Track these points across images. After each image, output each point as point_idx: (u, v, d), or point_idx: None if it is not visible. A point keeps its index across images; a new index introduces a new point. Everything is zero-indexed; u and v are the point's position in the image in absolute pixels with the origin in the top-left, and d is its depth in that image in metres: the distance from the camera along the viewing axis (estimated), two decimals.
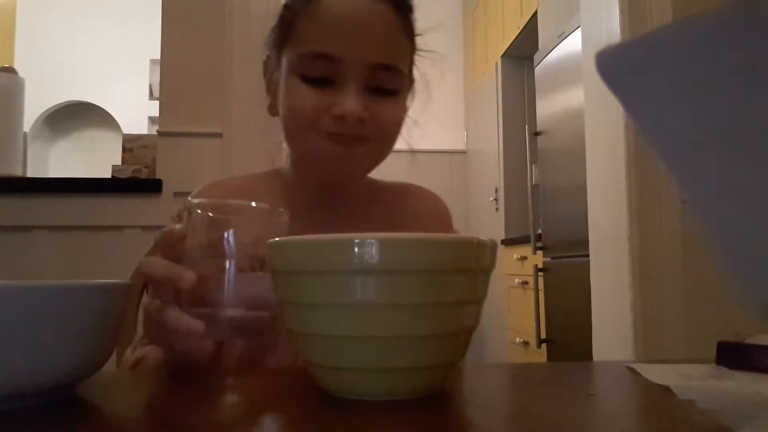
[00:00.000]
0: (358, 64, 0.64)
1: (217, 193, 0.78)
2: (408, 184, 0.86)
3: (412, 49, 0.72)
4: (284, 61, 0.69)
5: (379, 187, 0.83)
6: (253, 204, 0.52)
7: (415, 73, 0.78)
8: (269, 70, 0.74)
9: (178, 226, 0.50)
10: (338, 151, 0.67)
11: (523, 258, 3.22)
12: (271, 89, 0.74)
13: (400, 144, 0.78)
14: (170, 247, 0.49)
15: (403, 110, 0.72)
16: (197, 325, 0.46)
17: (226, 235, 0.49)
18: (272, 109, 0.75)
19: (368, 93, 0.66)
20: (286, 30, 0.69)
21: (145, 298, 0.54)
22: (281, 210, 0.51)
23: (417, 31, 0.75)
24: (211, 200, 0.51)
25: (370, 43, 0.65)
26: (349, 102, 0.64)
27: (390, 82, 0.67)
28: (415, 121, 0.80)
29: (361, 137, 0.66)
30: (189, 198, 0.52)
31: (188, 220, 0.50)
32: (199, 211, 0.50)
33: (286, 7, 0.71)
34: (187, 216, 0.50)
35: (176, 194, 1.74)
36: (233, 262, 0.49)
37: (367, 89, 0.66)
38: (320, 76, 0.65)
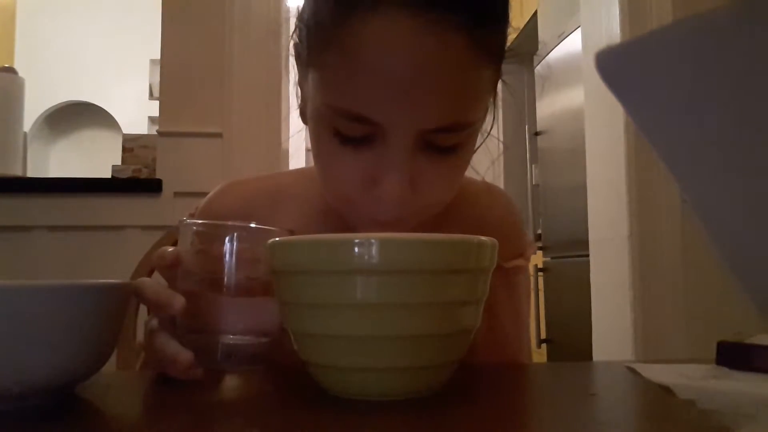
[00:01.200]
0: (408, 131, 0.47)
1: (237, 193, 0.69)
2: (473, 182, 0.67)
3: (495, 71, 0.51)
4: (311, 90, 0.52)
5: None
6: (253, 225, 0.47)
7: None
8: (299, 73, 0.57)
9: (170, 249, 0.47)
10: (376, 227, 0.51)
11: None
12: (302, 95, 0.58)
13: None
14: (166, 269, 0.47)
15: (470, 157, 0.54)
16: (185, 356, 0.43)
17: (224, 254, 0.46)
18: (303, 117, 0.59)
19: (422, 156, 0.49)
20: (312, 50, 0.51)
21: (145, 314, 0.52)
22: (287, 230, 0.46)
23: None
24: (208, 222, 0.49)
25: (428, 107, 0.46)
26: (391, 185, 0.48)
27: (454, 140, 0.49)
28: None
29: (401, 219, 0.51)
30: (184, 218, 0.50)
31: (183, 239, 0.48)
32: (195, 232, 0.48)
33: (314, 15, 0.49)
34: (184, 234, 0.48)
35: (176, 194, 1.74)
36: (231, 284, 0.46)
37: (421, 153, 0.49)
38: (358, 137, 0.49)
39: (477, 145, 0.56)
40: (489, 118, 0.56)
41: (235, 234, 0.46)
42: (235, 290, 0.46)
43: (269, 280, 0.43)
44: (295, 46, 0.55)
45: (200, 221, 0.50)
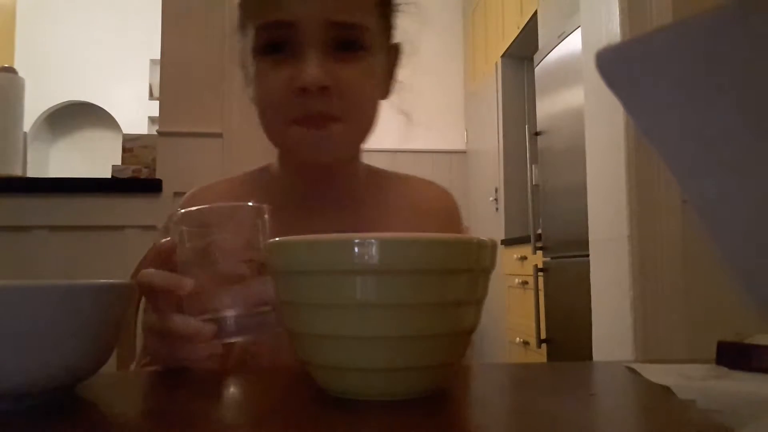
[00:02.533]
0: (314, 25, 0.58)
1: (206, 197, 0.73)
2: (414, 177, 0.78)
3: (381, 4, 0.64)
4: (248, 42, 0.63)
5: (380, 176, 0.77)
6: (236, 204, 0.52)
7: (401, 35, 0.70)
8: (242, 57, 0.68)
9: (164, 240, 0.50)
10: (309, 137, 0.61)
11: (523, 258, 3.22)
12: (247, 79, 0.67)
13: (390, 116, 0.71)
14: (162, 260, 0.49)
15: (376, 71, 0.64)
16: (209, 328, 0.46)
17: (214, 239, 0.49)
18: (251, 94, 0.68)
19: (331, 57, 0.59)
20: (245, 8, 0.64)
21: (142, 313, 0.53)
22: (264, 206, 0.51)
23: None
24: (194, 209, 0.51)
25: (325, 1, 0.58)
26: (308, 69, 0.57)
27: (354, 40, 0.60)
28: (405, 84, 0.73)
29: (328, 115, 0.60)
30: (177, 210, 0.52)
31: (177, 233, 0.50)
32: (184, 228, 0.50)
33: None
34: (174, 229, 0.50)
35: (176, 194, 1.74)
36: (227, 264, 0.49)
37: (330, 53, 0.59)
38: (276, 44, 0.59)
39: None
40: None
41: (221, 217, 0.50)
42: (232, 267, 0.49)
43: (263, 257, 0.45)
44: (241, 49, 0.67)
45: (186, 210, 0.51)
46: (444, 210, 0.77)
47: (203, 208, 0.51)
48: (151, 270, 0.48)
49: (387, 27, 0.66)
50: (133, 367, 0.62)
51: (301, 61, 0.58)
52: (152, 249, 0.51)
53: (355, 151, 0.69)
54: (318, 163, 0.66)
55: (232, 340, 0.50)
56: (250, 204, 0.51)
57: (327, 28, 0.58)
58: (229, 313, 0.48)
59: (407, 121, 0.76)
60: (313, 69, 0.57)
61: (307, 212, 0.68)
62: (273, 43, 0.60)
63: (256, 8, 0.61)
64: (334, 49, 0.59)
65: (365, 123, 0.65)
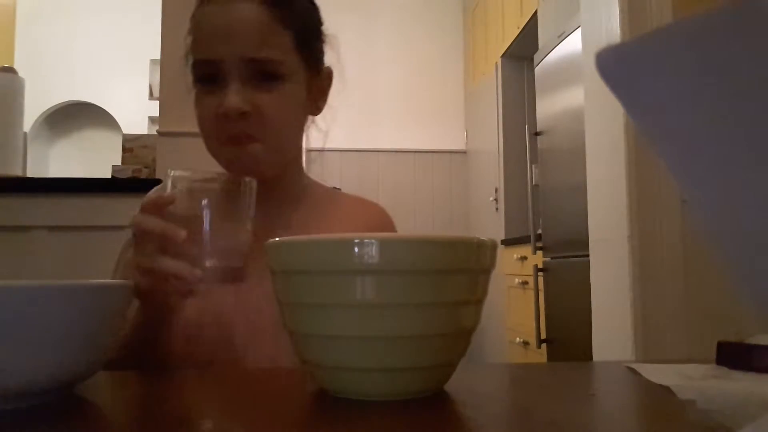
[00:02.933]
0: (234, 62, 0.69)
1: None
2: (353, 196, 0.90)
3: (299, 40, 0.74)
4: (189, 72, 0.75)
5: (321, 192, 0.87)
6: (223, 175, 0.64)
7: (331, 62, 0.82)
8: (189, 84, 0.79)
9: (166, 193, 0.58)
10: (233, 155, 0.72)
11: (523, 258, 3.22)
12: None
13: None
14: (158, 209, 0.57)
15: (293, 98, 0.74)
16: (196, 270, 0.55)
17: (204, 198, 0.59)
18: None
19: (253, 85, 0.70)
20: (188, 44, 0.75)
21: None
22: (247, 179, 0.61)
23: (311, 21, 0.78)
24: (188, 172, 0.60)
25: (240, 40, 0.70)
26: (228, 98, 0.69)
27: (268, 72, 0.71)
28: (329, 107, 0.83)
29: (247, 136, 0.71)
30: (169, 170, 0.60)
31: (172, 186, 0.59)
32: (180, 172, 0.60)
33: (191, 17, 0.76)
34: (171, 185, 0.59)
35: None
36: (209, 221, 0.58)
37: (252, 81, 0.70)
38: (208, 78, 0.71)
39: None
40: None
41: (212, 182, 0.61)
42: (210, 226, 0.58)
43: (239, 217, 0.59)
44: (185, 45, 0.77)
45: (184, 171, 0.61)
46: (377, 219, 0.85)
47: (197, 172, 0.60)
48: (150, 216, 0.56)
49: (310, 57, 0.77)
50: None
51: (226, 91, 0.70)
52: (153, 199, 0.58)
53: (277, 166, 0.77)
54: (247, 174, 0.75)
55: (204, 284, 0.58)
56: (246, 179, 0.61)
57: (245, 64, 0.70)
58: (204, 263, 0.57)
59: (324, 139, 0.86)
60: (232, 98, 0.69)
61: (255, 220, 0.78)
62: (205, 76, 0.72)
63: (193, 47, 0.73)
64: (254, 80, 0.70)
65: (283, 141, 0.75)
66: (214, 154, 0.76)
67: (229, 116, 0.69)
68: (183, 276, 0.55)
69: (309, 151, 0.89)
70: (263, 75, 0.71)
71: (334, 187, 0.96)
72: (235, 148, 0.72)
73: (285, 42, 0.72)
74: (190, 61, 0.73)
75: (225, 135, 0.71)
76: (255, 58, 0.70)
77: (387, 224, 0.86)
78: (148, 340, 0.64)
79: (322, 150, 0.87)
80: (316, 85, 0.79)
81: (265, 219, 0.77)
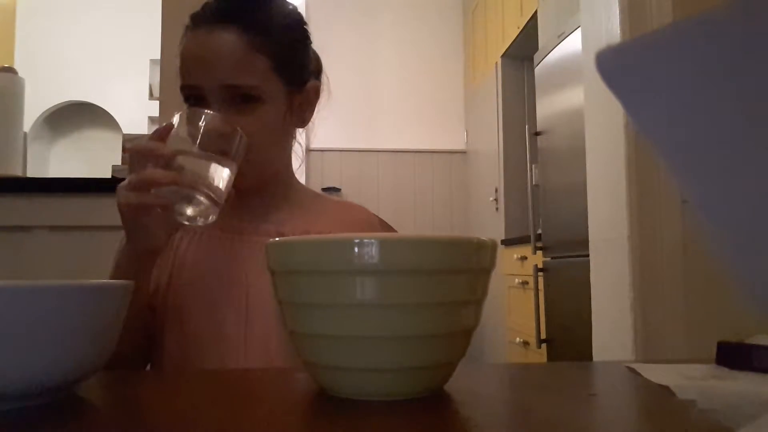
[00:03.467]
0: (213, 88, 0.76)
1: None
2: (343, 200, 0.95)
3: (277, 63, 0.79)
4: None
5: (310, 197, 0.91)
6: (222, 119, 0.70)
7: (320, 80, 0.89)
8: None
9: (165, 124, 0.66)
10: None
11: (523, 258, 3.22)
12: None
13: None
14: (159, 138, 0.65)
15: (271, 118, 0.79)
16: (172, 173, 0.62)
17: (197, 131, 0.66)
18: None
19: (232, 109, 0.76)
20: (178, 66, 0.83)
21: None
22: (240, 132, 0.68)
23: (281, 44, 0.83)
24: (194, 109, 0.69)
25: (216, 68, 0.76)
26: None
27: (246, 95, 0.77)
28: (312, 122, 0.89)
29: None
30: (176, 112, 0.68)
31: (177, 120, 0.66)
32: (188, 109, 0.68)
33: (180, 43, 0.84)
34: (179, 116, 0.67)
35: None
36: (197, 153, 0.65)
37: (231, 103, 0.76)
38: (193, 99, 0.78)
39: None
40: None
41: (207, 116, 0.67)
42: (198, 157, 0.65)
43: (227, 153, 0.66)
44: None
45: (187, 109, 0.70)
46: (364, 221, 0.89)
47: (203, 111, 0.68)
48: (142, 139, 0.63)
49: (290, 77, 0.82)
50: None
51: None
52: (153, 132, 0.66)
53: (258, 179, 0.81)
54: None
55: (177, 215, 0.65)
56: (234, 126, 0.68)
57: (223, 90, 0.76)
58: (184, 190, 0.63)
59: (310, 126, 0.91)
60: None
61: (239, 216, 0.83)
62: (191, 99, 0.78)
63: (180, 73, 0.80)
64: (232, 103, 0.76)
65: (262, 158, 0.80)
66: None
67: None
68: (161, 177, 0.61)
69: (309, 151, 0.92)
70: (241, 98, 0.76)
71: (333, 188, 0.99)
72: None
73: (261, 67, 0.78)
74: (179, 84, 0.80)
75: None
76: (231, 85, 0.76)
77: (373, 223, 0.90)
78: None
79: (321, 150, 0.90)
80: (300, 100, 0.84)
81: (252, 220, 0.82)
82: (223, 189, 0.66)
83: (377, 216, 0.92)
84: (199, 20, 0.79)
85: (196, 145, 0.65)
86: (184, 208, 0.65)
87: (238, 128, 0.68)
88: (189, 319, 0.75)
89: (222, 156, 0.66)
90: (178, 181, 0.62)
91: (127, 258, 0.70)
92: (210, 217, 0.66)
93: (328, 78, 0.91)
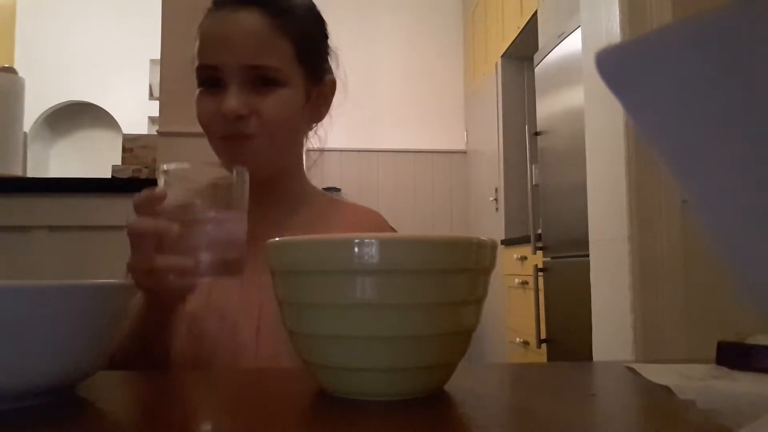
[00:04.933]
0: (233, 68, 0.74)
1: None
2: (352, 203, 0.93)
3: (299, 49, 0.78)
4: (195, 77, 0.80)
5: (321, 199, 0.89)
6: (215, 166, 0.64)
7: (335, 72, 0.86)
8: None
9: (157, 189, 0.58)
10: (230, 152, 0.76)
11: (523, 258, 3.22)
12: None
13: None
14: (150, 207, 0.57)
15: (289, 103, 0.77)
16: (188, 261, 0.55)
17: (196, 190, 0.59)
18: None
19: (251, 89, 0.74)
20: (193, 49, 0.80)
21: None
22: (239, 168, 0.60)
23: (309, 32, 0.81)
24: (181, 166, 0.60)
25: (239, 48, 0.74)
26: (227, 102, 0.73)
27: (267, 78, 0.75)
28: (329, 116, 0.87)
29: (243, 135, 0.74)
30: (160, 165, 0.61)
31: (163, 181, 0.59)
32: (173, 166, 0.60)
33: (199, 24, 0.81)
34: (164, 177, 0.59)
35: None
36: (204, 215, 0.58)
37: (249, 86, 0.74)
38: (209, 81, 0.76)
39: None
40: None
41: (204, 174, 0.61)
42: (205, 220, 0.58)
43: (236, 208, 0.58)
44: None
45: (175, 164, 0.60)
46: (374, 225, 0.88)
47: (188, 164, 0.61)
48: (141, 217, 0.56)
49: (310, 67, 0.80)
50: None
51: (225, 94, 0.74)
52: (144, 196, 0.58)
53: (274, 164, 0.79)
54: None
55: (202, 278, 0.58)
56: (241, 168, 0.61)
57: (244, 70, 0.74)
58: (201, 257, 0.56)
59: (326, 122, 0.89)
60: (230, 102, 0.73)
61: (259, 221, 0.79)
62: (207, 80, 0.76)
63: (198, 54, 0.77)
64: (252, 84, 0.74)
65: (279, 139, 0.78)
66: (215, 150, 0.79)
67: (227, 118, 0.73)
68: (180, 270, 0.55)
69: (309, 151, 0.91)
70: (261, 80, 0.74)
71: (333, 188, 0.98)
72: (231, 146, 0.75)
73: (283, 50, 0.76)
74: (195, 65, 0.77)
75: (223, 133, 0.75)
76: (253, 65, 0.74)
77: (384, 230, 0.88)
78: (149, 338, 0.65)
79: (321, 150, 0.89)
80: (318, 93, 0.82)
81: (264, 223, 0.79)
82: (242, 239, 0.59)
83: (388, 223, 0.91)
84: (222, 1, 0.78)
85: (198, 208, 0.58)
86: (209, 275, 0.58)
87: (237, 168, 0.61)
88: (202, 322, 0.73)
89: (228, 207, 0.59)
90: (195, 267, 0.55)
91: (145, 319, 0.64)
92: (237, 273, 0.59)
93: (346, 76, 0.89)
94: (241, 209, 0.60)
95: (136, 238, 0.57)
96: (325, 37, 0.85)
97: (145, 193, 0.58)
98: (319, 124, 0.87)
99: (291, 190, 0.85)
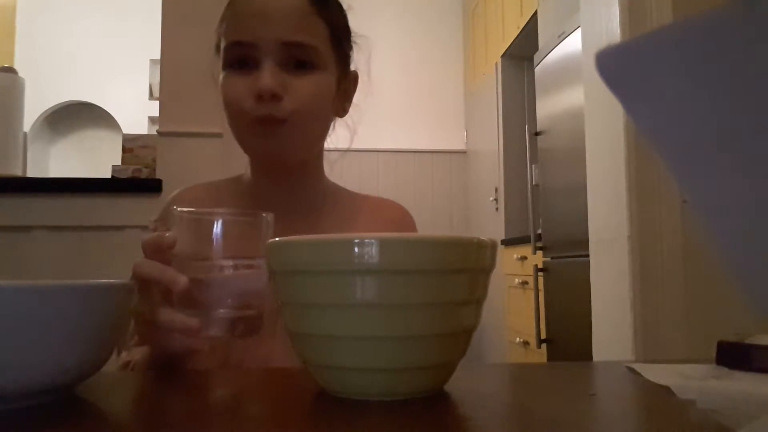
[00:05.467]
0: (269, 45, 0.69)
1: (189, 199, 0.81)
2: (373, 196, 0.89)
3: (332, 33, 0.75)
4: (220, 60, 0.75)
5: (341, 194, 0.86)
6: (235, 209, 0.55)
7: (356, 65, 0.83)
8: (217, 75, 0.78)
9: (167, 234, 0.52)
10: (260, 136, 0.71)
11: (523, 258, 3.22)
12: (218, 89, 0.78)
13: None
14: (159, 252, 0.52)
15: (324, 87, 0.74)
16: (194, 322, 0.49)
17: (213, 238, 0.51)
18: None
19: (285, 71, 0.70)
20: (219, 31, 0.76)
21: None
22: (264, 214, 0.54)
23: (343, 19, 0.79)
24: (196, 210, 0.54)
25: (278, 23, 0.70)
26: (262, 79, 0.68)
27: (303, 58, 0.71)
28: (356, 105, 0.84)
29: (276, 119, 0.70)
30: (173, 207, 0.55)
31: (176, 226, 0.52)
32: (185, 215, 0.53)
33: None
34: (177, 221, 0.53)
35: None
36: (219, 264, 0.51)
37: (284, 67, 0.70)
38: (240, 60, 0.71)
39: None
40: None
41: (221, 220, 0.52)
42: (222, 269, 0.51)
43: (254, 256, 0.51)
44: (215, 35, 0.78)
45: (189, 209, 0.54)
46: (399, 219, 0.85)
47: (205, 210, 0.54)
48: (149, 261, 0.51)
49: (341, 55, 0.77)
50: (123, 354, 0.64)
51: (259, 72, 0.70)
52: (152, 240, 0.53)
53: (301, 153, 0.76)
54: (269, 159, 0.76)
55: (216, 337, 0.52)
56: (263, 214, 0.54)
57: (281, 48, 0.70)
58: (216, 312, 0.50)
59: (351, 138, 0.89)
60: (266, 78, 0.68)
61: (278, 213, 0.75)
62: (239, 59, 0.71)
63: (227, 31, 0.73)
64: (287, 65, 0.70)
65: (310, 127, 0.74)
66: (241, 137, 0.75)
67: (263, 96, 0.68)
68: (185, 329, 0.49)
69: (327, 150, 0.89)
70: (296, 61, 0.71)
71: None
72: (262, 129, 0.70)
73: (320, 31, 0.73)
74: (223, 45, 0.73)
75: (254, 116, 0.70)
76: (291, 42, 0.70)
77: (408, 226, 0.85)
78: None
79: (348, 150, 0.88)
80: (344, 86, 0.79)
81: (285, 222, 0.74)
82: (262, 294, 0.52)
83: (412, 217, 0.87)
84: None
85: (214, 259, 0.51)
86: (222, 334, 0.52)
87: (262, 213, 0.54)
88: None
89: (248, 257, 0.52)
90: (204, 326, 0.49)
91: (149, 358, 0.58)
92: (253, 333, 0.53)
93: (369, 78, 0.85)
94: (262, 259, 0.50)
95: (141, 282, 0.50)
96: (350, 29, 0.82)
97: (155, 236, 0.53)
98: (348, 116, 0.83)
99: (313, 185, 0.81)
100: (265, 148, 0.73)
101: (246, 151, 0.77)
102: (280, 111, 0.69)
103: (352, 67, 0.83)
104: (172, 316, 0.49)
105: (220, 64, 0.75)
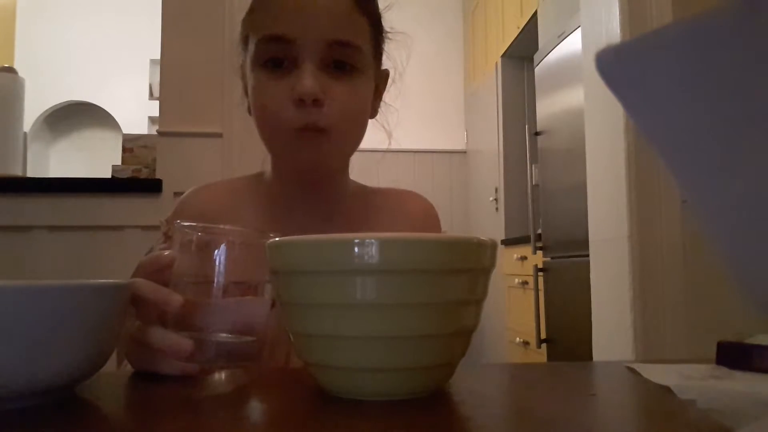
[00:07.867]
0: (312, 43, 0.63)
1: (205, 197, 0.77)
2: (394, 189, 0.83)
3: (373, 31, 0.69)
4: (248, 55, 0.68)
5: (364, 192, 0.81)
6: (242, 229, 0.51)
7: (388, 63, 0.76)
8: (242, 69, 0.72)
9: (166, 252, 0.50)
10: (301, 147, 0.65)
11: (523, 258, 3.22)
12: (246, 89, 0.72)
13: (377, 133, 0.77)
14: (157, 272, 0.49)
15: (366, 91, 0.69)
16: (186, 343, 0.46)
17: (215, 259, 0.49)
18: (250, 110, 0.72)
19: (326, 73, 0.64)
20: (248, 23, 0.69)
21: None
22: (271, 234, 0.49)
23: (382, 19, 0.74)
24: (199, 224, 0.50)
25: (322, 20, 0.63)
26: (304, 81, 0.62)
27: (345, 60, 0.65)
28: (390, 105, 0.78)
29: (317, 127, 0.64)
30: (178, 221, 0.52)
31: (177, 243, 0.50)
32: (187, 231, 0.50)
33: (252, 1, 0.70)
34: (179, 237, 0.50)
35: (176, 194, 1.74)
36: (221, 287, 0.49)
37: (325, 68, 0.64)
38: (276, 58, 0.64)
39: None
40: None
41: (226, 239, 0.49)
42: (223, 292, 0.49)
43: (257, 281, 0.49)
44: (242, 63, 0.72)
45: (194, 224, 0.51)
46: (422, 214, 0.80)
47: (207, 226, 0.50)
48: (141, 280, 0.48)
49: (378, 52, 0.72)
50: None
51: (298, 74, 0.63)
52: (150, 258, 0.50)
53: (342, 164, 0.73)
54: (307, 171, 0.70)
55: (209, 364, 0.49)
56: (270, 234, 0.50)
57: (324, 46, 0.63)
58: (213, 338, 0.48)
59: (388, 139, 0.83)
60: (309, 81, 0.62)
61: (297, 224, 0.71)
62: (274, 57, 0.64)
63: (260, 24, 0.65)
64: (329, 67, 0.64)
65: (351, 137, 0.69)
66: (277, 148, 0.69)
67: (304, 101, 0.62)
68: (176, 353, 0.46)
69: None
70: (338, 63, 0.64)
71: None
72: (306, 141, 0.64)
73: (365, 29, 0.68)
74: (254, 39, 0.66)
75: (295, 123, 0.64)
76: (336, 40, 0.63)
77: (432, 219, 0.81)
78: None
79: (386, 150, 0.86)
80: (378, 84, 0.74)
81: (310, 217, 0.72)
82: (263, 320, 0.49)
83: (435, 210, 0.83)
84: None
85: (215, 280, 0.48)
86: (218, 361, 0.50)
87: (271, 234, 0.48)
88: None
89: (252, 272, 0.49)
90: (198, 352, 0.47)
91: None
92: (251, 361, 0.50)
93: (402, 78, 0.79)
94: (266, 283, 0.49)
95: (134, 301, 0.47)
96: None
97: (153, 256, 0.50)
98: (383, 118, 0.79)
99: (338, 187, 0.76)
100: (305, 160, 0.67)
101: (280, 161, 0.72)
102: (322, 118, 0.64)
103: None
104: (162, 335, 0.46)
105: (246, 58, 0.68)
